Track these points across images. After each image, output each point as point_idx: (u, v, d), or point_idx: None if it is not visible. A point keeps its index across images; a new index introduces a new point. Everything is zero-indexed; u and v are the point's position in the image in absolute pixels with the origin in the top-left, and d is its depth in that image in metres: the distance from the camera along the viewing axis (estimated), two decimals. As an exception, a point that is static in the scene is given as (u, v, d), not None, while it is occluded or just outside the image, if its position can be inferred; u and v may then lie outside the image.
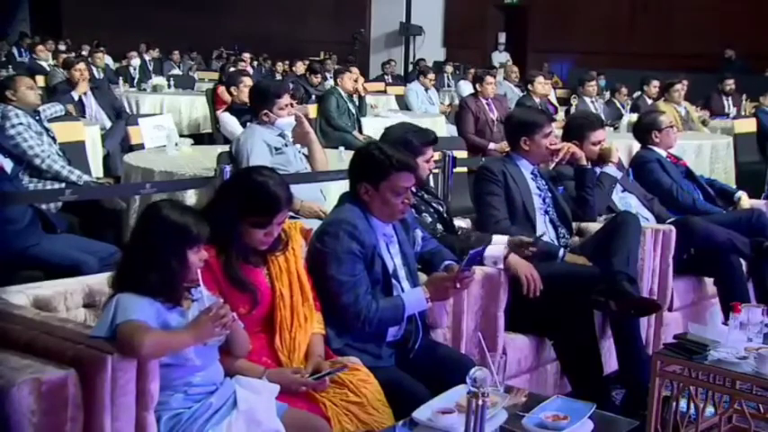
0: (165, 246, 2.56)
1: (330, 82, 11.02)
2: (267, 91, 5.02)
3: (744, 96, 11.21)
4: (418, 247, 3.51)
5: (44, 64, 13.26)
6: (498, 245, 3.78)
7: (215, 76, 13.69)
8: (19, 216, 4.18)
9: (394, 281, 3.25)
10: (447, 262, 3.46)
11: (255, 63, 15.33)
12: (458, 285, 3.20)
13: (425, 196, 4.00)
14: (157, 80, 11.93)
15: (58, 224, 4.46)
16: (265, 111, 4.86)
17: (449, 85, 15.11)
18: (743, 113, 10.67)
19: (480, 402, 2.35)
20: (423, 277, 3.49)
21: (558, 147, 4.45)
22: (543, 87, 8.97)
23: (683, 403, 3.51)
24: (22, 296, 2.81)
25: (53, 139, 5.50)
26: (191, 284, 2.66)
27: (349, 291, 3.10)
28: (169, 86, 11.52)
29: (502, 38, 20.27)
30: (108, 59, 14.38)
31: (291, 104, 5.03)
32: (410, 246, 3.42)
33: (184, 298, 2.65)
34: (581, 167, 4.54)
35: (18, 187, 4.68)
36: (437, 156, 5.17)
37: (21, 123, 5.21)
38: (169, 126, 7.10)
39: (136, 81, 12.97)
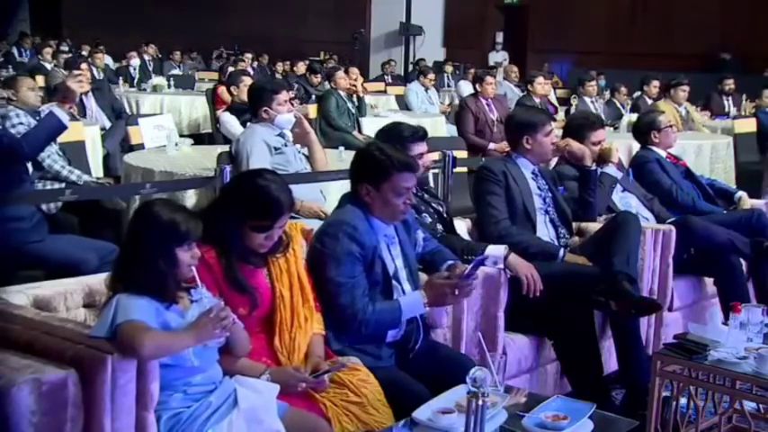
0: (152, 244, 2.57)
1: (331, 82, 11.02)
2: (264, 88, 5.03)
3: (744, 96, 11.21)
4: (419, 248, 3.51)
5: (47, 65, 13.25)
6: (498, 245, 3.78)
7: (215, 76, 13.68)
8: (27, 215, 4.21)
9: (395, 282, 3.25)
10: (449, 262, 3.46)
11: (255, 63, 15.30)
12: (456, 292, 3.17)
13: (425, 196, 4.00)
14: (157, 80, 11.93)
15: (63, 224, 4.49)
16: (264, 108, 4.86)
17: (449, 85, 15.11)
18: (743, 113, 10.67)
19: (480, 402, 2.35)
20: (423, 278, 3.49)
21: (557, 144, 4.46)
22: (543, 87, 8.97)
23: (683, 403, 3.52)
24: (22, 296, 2.81)
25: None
26: (188, 285, 2.66)
27: (346, 292, 3.10)
28: (169, 86, 11.52)
29: (499, 37, 20.22)
30: (108, 59, 14.38)
31: (291, 102, 5.03)
32: (411, 247, 3.42)
33: (180, 297, 2.65)
34: (585, 169, 4.54)
35: (29, 189, 4.70)
36: (437, 156, 5.18)
37: (21, 123, 5.20)
38: (169, 126, 7.11)
39: (136, 81, 12.98)
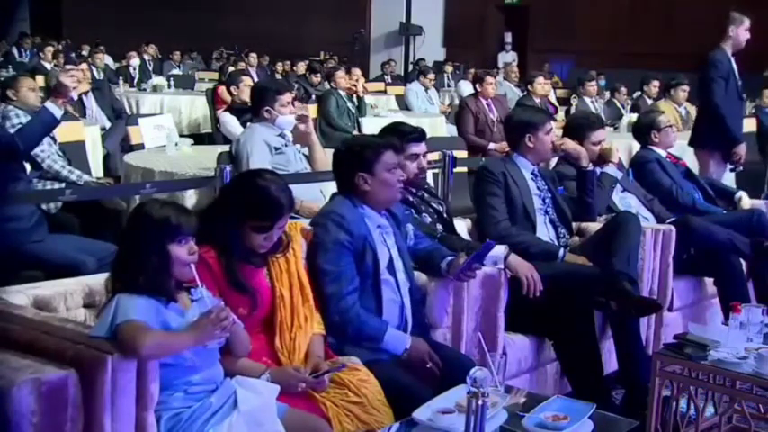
0: (145, 242, 2.58)
1: (331, 82, 11.02)
2: (269, 88, 5.04)
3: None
4: (411, 241, 3.54)
5: (48, 65, 13.25)
6: (498, 245, 3.78)
7: (215, 76, 13.66)
8: (26, 215, 4.21)
9: (389, 275, 3.27)
10: (449, 258, 3.47)
11: (256, 63, 15.27)
12: (461, 277, 3.31)
13: (425, 196, 4.00)
14: (157, 80, 11.93)
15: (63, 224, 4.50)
16: (267, 107, 4.87)
17: (449, 85, 15.10)
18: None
19: (480, 402, 2.35)
20: (422, 277, 3.49)
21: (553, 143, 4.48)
22: (543, 87, 8.96)
23: (682, 403, 3.52)
24: (22, 296, 2.81)
25: (53, 139, 5.48)
26: (189, 284, 2.66)
27: (333, 281, 3.12)
28: (169, 86, 11.52)
29: (508, 38, 20.11)
30: (108, 59, 14.37)
31: (293, 104, 5.03)
32: (403, 239, 3.44)
33: (179, 295, 2.66)
34: (582, 170, 4.54)
35: (28, 189, 4.70)
36: (437, 156, 5.19)
37: (21, 123, 5.19)
38: (169, 126, 7.12)
39: (136, 81, 12.97)
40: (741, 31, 6.37)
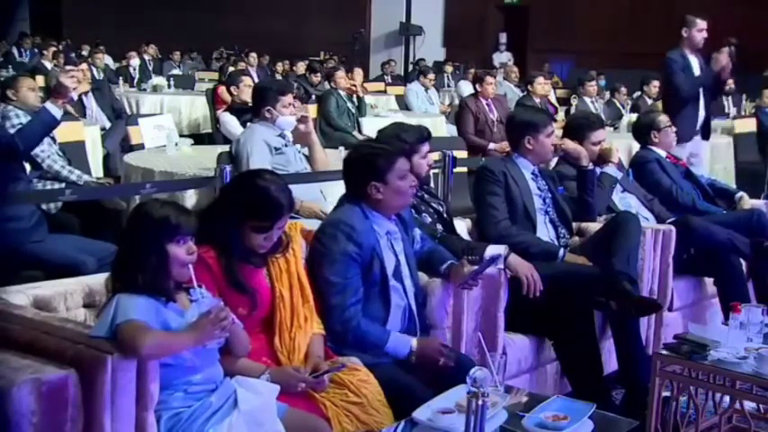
0: (144, 242, 2.58)
1: (331, 82, 11.01)
2: (270, 88, 5.05)
3: (744, 96, 11.20)
4: (417, 245, 3.53)
5: (48, 64, 13.25)
6: (498, 245, 3.78)
7: (215, 76, 13.66)
8: (26, 214, 4.21)
9: (395, 281, 3.26)
10: (450, 261, 3.46)
11: (256, 63, 15.27)
12: (464, 286, 3.33)
13: (425, 196, 4.00)
14: (157, 80, 11.93)
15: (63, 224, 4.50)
16: (268, 107, 4.87)
17: (449, 85, 15.11)
18: (743, 113, 10.66)
19: (480, 402, 2.35)
20: (423, 277, 3.49)
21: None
22: (543, 88, 8.96)
23: (683, 403, 3.52)
24: (22, 296, 2.81)
25: (53, 139, 5.48)
26: (188, 285, 2.67)
27: (338, 293, 3.11)
28: (169, 86, 11.52)
29: (503, 38, 20.20)
30: (108, 59, 14.37)
31: (293, 105, 5.04)
32: (410, 245, 3.43)
33: (177, 294, 2.66)
34: (583, 169, 4.54)
35: (28, 189, 4.71)
36: (437, 156, 5.19)
37: (21, 123, 5.19)
38: (169, 126, 7.12)
39: (136, 81, 12.97)
40: (695, 33, 6.72)
